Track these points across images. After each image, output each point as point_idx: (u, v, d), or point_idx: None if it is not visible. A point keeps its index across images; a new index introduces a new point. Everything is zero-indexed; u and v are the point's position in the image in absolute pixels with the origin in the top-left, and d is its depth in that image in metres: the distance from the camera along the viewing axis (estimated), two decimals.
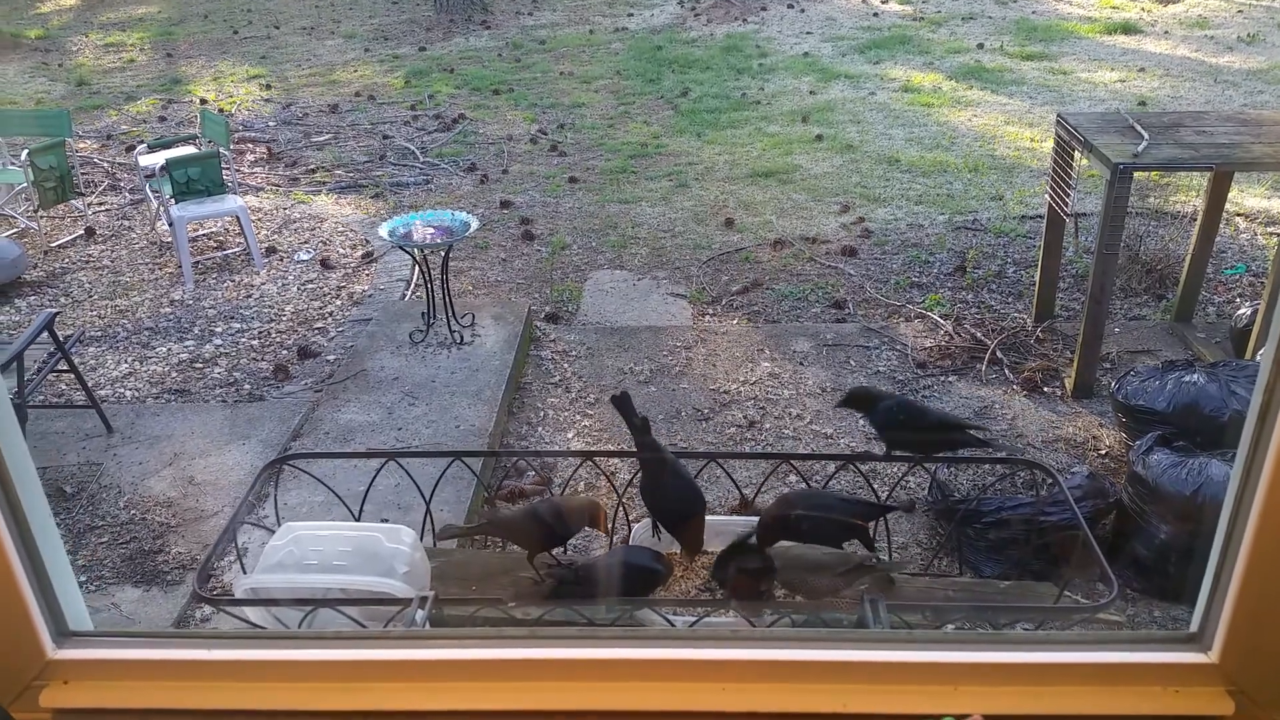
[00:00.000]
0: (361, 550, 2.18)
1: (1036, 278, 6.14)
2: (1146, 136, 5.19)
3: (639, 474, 2.49)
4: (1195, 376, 4.58)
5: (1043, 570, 3.81)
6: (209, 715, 1.11)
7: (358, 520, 2.86)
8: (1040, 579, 3.42)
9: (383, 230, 5.82)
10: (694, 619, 1.96)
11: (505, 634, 1.07)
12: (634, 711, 1.00)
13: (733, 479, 3.35)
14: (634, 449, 2.44)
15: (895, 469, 4.41)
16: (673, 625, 1.90)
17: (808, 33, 13.97)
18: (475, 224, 5.93)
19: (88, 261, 7.42)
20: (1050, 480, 2.52)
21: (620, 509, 3.01)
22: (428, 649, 1.09)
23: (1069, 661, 1.04)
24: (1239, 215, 7.54)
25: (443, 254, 5.95)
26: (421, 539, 2.50)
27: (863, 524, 2.28)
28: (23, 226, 7.81)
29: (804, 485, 3.23)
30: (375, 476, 2.91)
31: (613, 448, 5.10)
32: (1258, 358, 4.92)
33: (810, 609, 1.93)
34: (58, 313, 5.39)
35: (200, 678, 1.13)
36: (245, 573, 2.28)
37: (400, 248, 6.01)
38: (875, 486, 3.79)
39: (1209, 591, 1.03)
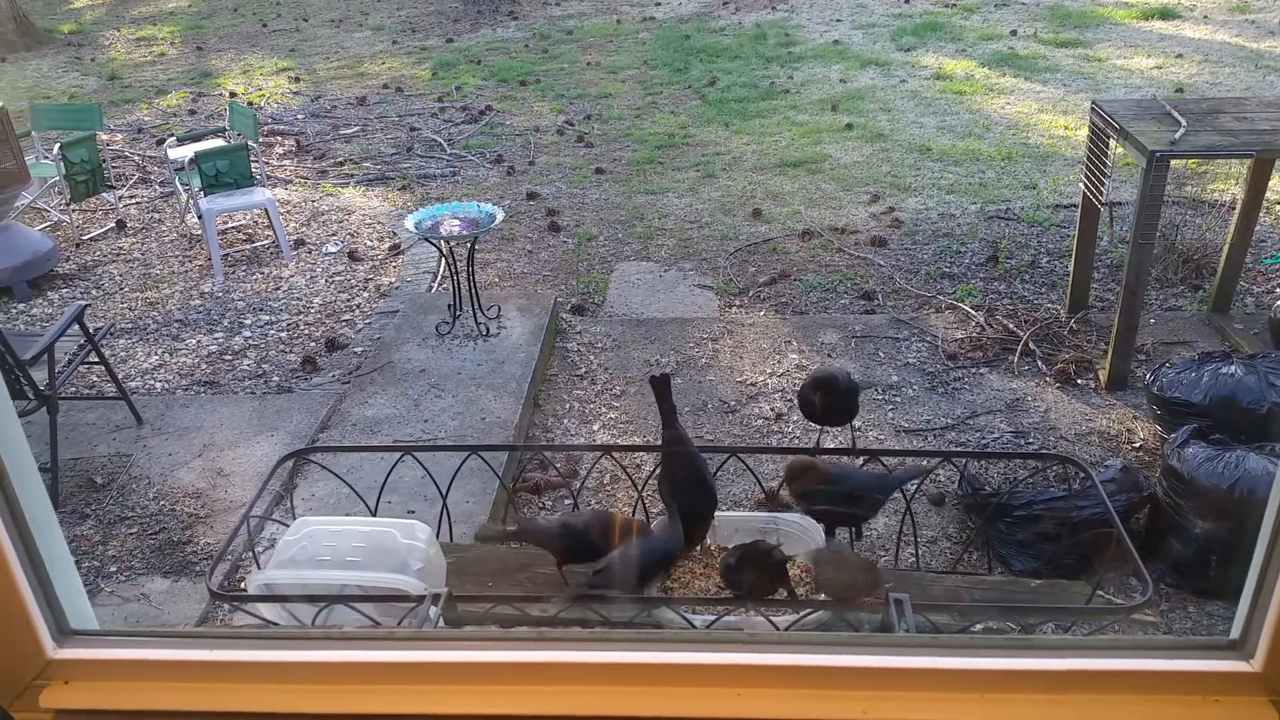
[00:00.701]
0: (375, 546, 2.14)
1: (1070, 268, 6.04)
2: (1184, 123, 5.08)
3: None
4: (1233, 368, 4.49)
5: (1076, 566, 3.74)
6: (212, 717, 1.08)
7: (373, 515, 2.83)
8: (1073, 576, 3.35)
9: (408, 222, 5.81)
10: (713, 618, 1.91)
11: (513, 636, 1.03)
12: (643, 718, 0.96)
13: (755, 474, 3.31)
14: (655, 442, 2.41)
15: (922, 463, 4.36)
16: (691, 625, 1.85)
17: (838, 20, 13.85)
18: (500, 215, 5.90)
19: (118, 254, 7.46)
20: (1083, 475, 2.45)
21: (640, 504, 2.98)
22: (436, 650, 1.05)
23: (1101, 669, 0.98)
24: (1279, 204, 7.40)
25: (468, 246, 5.93)
26: (438, 534, 2.46)
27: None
28: (55, 220, 7.87)
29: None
30: (391, 470, 2.89)
31: (636, 441, 5.07)
32: None
33: (834, 608, 1.88)
34: (88, 305, 5.42)
35: (204, 679, 1.09)
36: (260, 568, 2.26)
37: (426, 240, 5.99)
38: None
39: (1252, 595, 0.97)
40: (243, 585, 3.84)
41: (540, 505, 4.74)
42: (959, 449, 4.88)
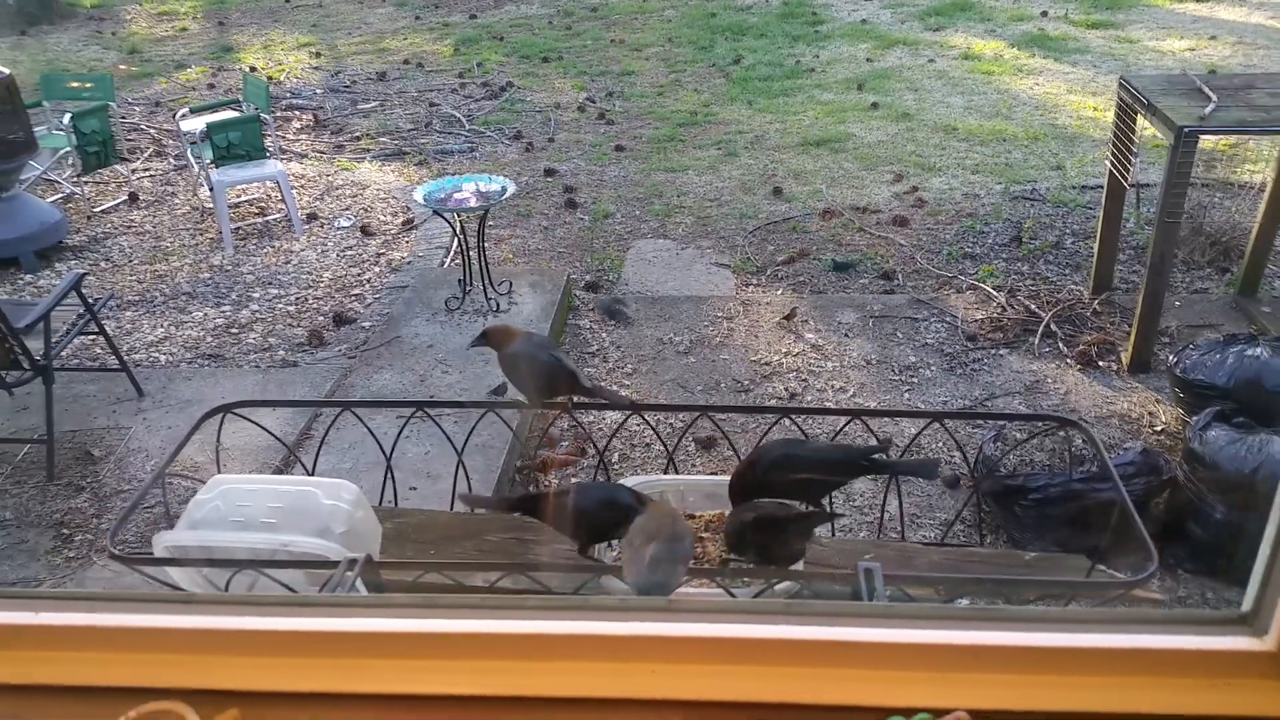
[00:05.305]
0: (295, 507, 1.98)
1: (1095, 248, 5.88)
2: (1215, 99, 4.91)
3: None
4: (1259, 350, 4.34)
5: (1089, 549, 3.61)
6: (79, 692, 0.94)
7: (311, 474, 2.69)
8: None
9: (418, 194, 5.71)
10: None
11: (398, 603, 0.92)
12: (539, 698, 0.85)
13: (726, 436, 3.19)
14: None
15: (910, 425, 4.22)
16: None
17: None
18: (512, 188, 5.80)
19: (130, 227, 7.40)
20: (1085, 442, 2.31)
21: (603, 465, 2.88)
22: (340, 619, 0.94)
23: (1088, 646, 0.84)
24: None
25: (479, 219, 5.83)
26: (380, 502, 2.31)
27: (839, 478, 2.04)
28: (67, 192, 7.81)
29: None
30: (327, 432, 2.76)
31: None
32: None
33: (801, 579, 1.74)
34: (85, 273, 5.34)
35: (78, 646, 0.97)
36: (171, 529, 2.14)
37: (436, 212, 5.90)
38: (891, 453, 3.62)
39: (1266, 563, 0.83)
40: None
41: (547, 483, 4.65)
42: (949, 411, 4.75)
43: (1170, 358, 4.76)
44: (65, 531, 4.26)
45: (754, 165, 8.24)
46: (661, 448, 4.46)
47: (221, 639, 0.93)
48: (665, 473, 2.76)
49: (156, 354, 5.64)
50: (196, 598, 1.01)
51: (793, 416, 2.46)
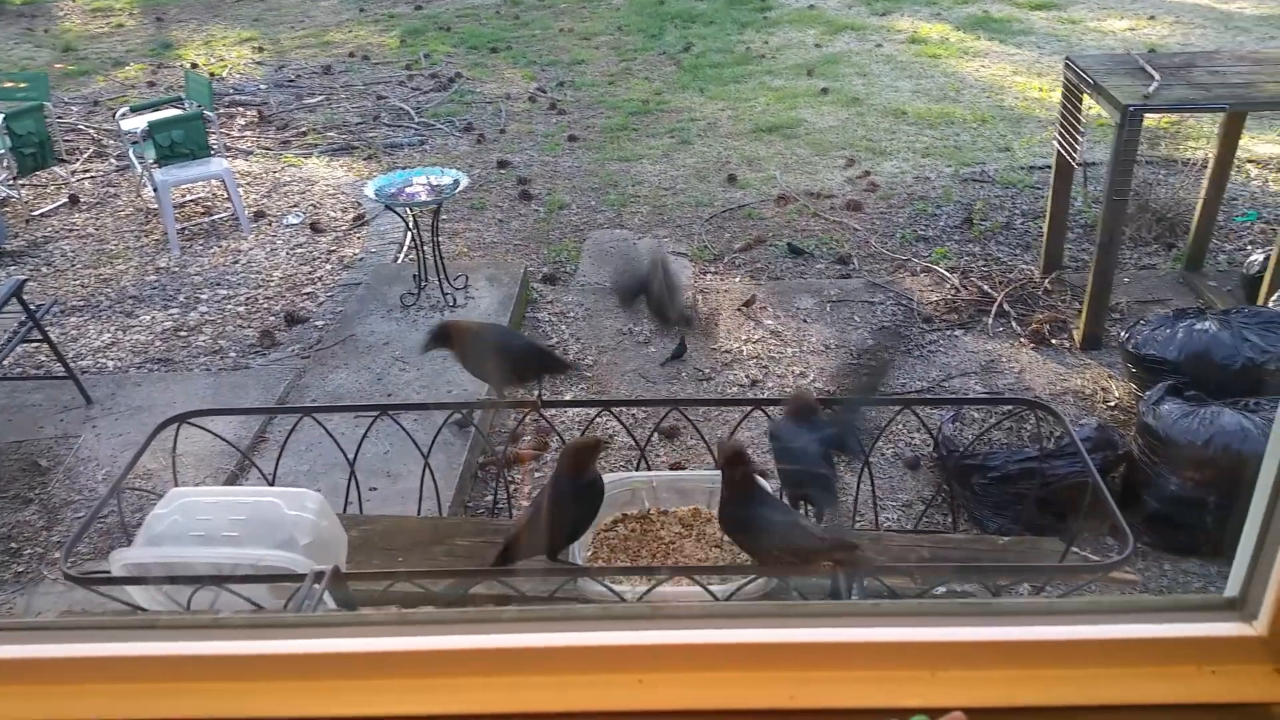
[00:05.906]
0: (257, 518, 1.94)
1: (1044, 228, 5.95)
2: (1157, 78, 4.97)
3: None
4: (1207, 324, 4.41)
5: (1051, 528, 3.65)
6: None
7: (271, 484, 2.65)
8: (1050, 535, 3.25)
9: (369, 189, 5.64)
10: (644, 589, 1.76)
11: (371, 620, 0.89)
12: (518, 714, 0.83)
13: (696, 428, 3.18)
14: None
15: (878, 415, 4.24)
16: (621, 598, 1.70)
17: None
18: (465, 180, 5.74)
19: (71, 230, 7.24)
20: (1052, 419, 2.32)
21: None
22: (280, 640, 0.90)
23: (1080, 638, 0.84)
24: (1250, 162, 7.33)
25: (433, 213, 5.77)
26: (344, 507, 2.27)
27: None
28: (3, 195, 7.63)
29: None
30: (287, 439, 2.72)
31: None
32: (1270, 304, 4.75)
33: (779, 574, 1.73)
34: (26, 279, 5.22)
35: (20, 680, 0.92)
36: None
37: (388, 207, 5.83)
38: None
39: (1254, 545, 0.82)
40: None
41: (510, 480, 4.62)
42: (919, 397, 4.79)
43: (1121, 334, 4.83)
44: (13, 546, 4.16)
45: (708, 153, 8.23)
46: (626, 440, 4.44)
47: (187, 665, 0.90)
48: (636, 468, 2.74)
49: (104, 360, 5.53)
50: (159, 622, 0.98)
51: (764, 408, 2.45)
